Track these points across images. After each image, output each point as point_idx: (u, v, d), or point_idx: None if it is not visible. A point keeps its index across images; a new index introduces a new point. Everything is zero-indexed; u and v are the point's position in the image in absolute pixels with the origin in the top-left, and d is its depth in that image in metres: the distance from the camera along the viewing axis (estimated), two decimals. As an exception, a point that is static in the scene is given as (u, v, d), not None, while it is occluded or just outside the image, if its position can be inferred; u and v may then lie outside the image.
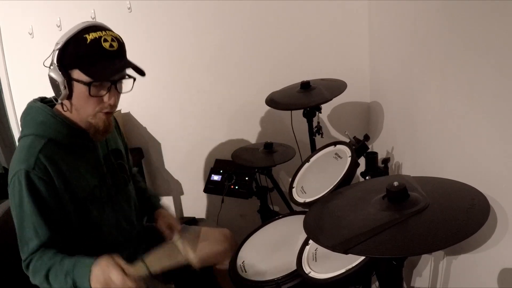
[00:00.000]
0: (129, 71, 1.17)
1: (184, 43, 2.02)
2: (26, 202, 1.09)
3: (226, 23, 1.97)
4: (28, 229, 1.10)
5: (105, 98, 1.14)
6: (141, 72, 1.15)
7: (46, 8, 2.03)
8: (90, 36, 1.07)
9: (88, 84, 1.09)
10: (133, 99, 2.08)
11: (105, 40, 1.09)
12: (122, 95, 1.22)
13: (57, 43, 1.10)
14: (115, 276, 1.00)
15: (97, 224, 1.23)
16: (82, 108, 1.15)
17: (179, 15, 1.98)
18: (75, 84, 1.11)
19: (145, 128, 2.20)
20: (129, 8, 1.99)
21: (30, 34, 2.09)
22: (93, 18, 1.98)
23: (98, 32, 1.09)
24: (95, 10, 1.98)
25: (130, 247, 1.35)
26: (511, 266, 0.84)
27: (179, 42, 2.02)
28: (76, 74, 1.10)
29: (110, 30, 1.14)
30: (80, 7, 1.98)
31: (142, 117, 2.19)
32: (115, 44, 1.11)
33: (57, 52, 1.10)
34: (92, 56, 1.08)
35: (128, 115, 2.16)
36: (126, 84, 1.21)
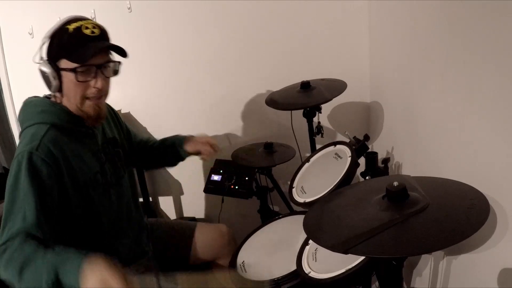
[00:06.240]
0: (118, 58, 1.21)
1: (184, 43, 2.02)
2: (23, 183, 1.06)
3: (226, 23, 1.97)
4: (17, 212, 1.04)
5: (92, 83, 1.17)
6: (123, 53, 1.18)
7: (46, 8, 2.03)
8: (71, 26, 1.14)
9: (74, 70, 1.13)
10: (133, 99, 2.09)
11: (86, 28, 1.14)
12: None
13: (43, 39, 1.16)
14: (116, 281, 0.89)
15: (99, 210, 1.24)
16: (72, 96, 1.19)
17: (179, 15, 1.98)
18: (64, 73, 1.15)
19: (145, 128, 2.19)
20: (129, 8, 1.98)
21: (30, 34, 2.09)
22: (93, 18, 1.98)
23: (79, 22, 1.15)
24: (95, 10, 1.98)
25: (131, 234, 1.37)
26: (511, 266, 0.84)
27: (179, 42, 2.02)
28: (64, 63, 1.15)
29: (90, 19, 1.19)
30: (80, 7, 1.97)
31: (142, 117, 2.18)
32: (96, 30, 1.16)
33: (43, 47, 1.16)
34: (75, 43, 1.13)
35: (128, 115, 2.16)
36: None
